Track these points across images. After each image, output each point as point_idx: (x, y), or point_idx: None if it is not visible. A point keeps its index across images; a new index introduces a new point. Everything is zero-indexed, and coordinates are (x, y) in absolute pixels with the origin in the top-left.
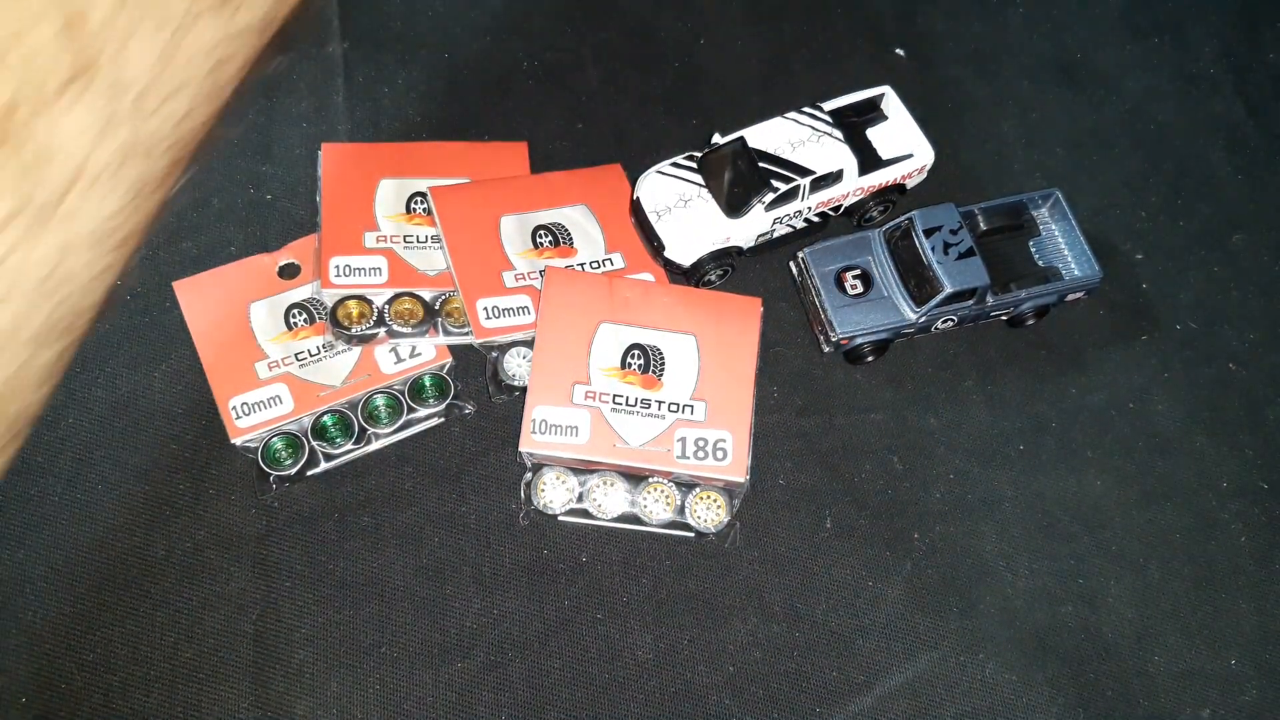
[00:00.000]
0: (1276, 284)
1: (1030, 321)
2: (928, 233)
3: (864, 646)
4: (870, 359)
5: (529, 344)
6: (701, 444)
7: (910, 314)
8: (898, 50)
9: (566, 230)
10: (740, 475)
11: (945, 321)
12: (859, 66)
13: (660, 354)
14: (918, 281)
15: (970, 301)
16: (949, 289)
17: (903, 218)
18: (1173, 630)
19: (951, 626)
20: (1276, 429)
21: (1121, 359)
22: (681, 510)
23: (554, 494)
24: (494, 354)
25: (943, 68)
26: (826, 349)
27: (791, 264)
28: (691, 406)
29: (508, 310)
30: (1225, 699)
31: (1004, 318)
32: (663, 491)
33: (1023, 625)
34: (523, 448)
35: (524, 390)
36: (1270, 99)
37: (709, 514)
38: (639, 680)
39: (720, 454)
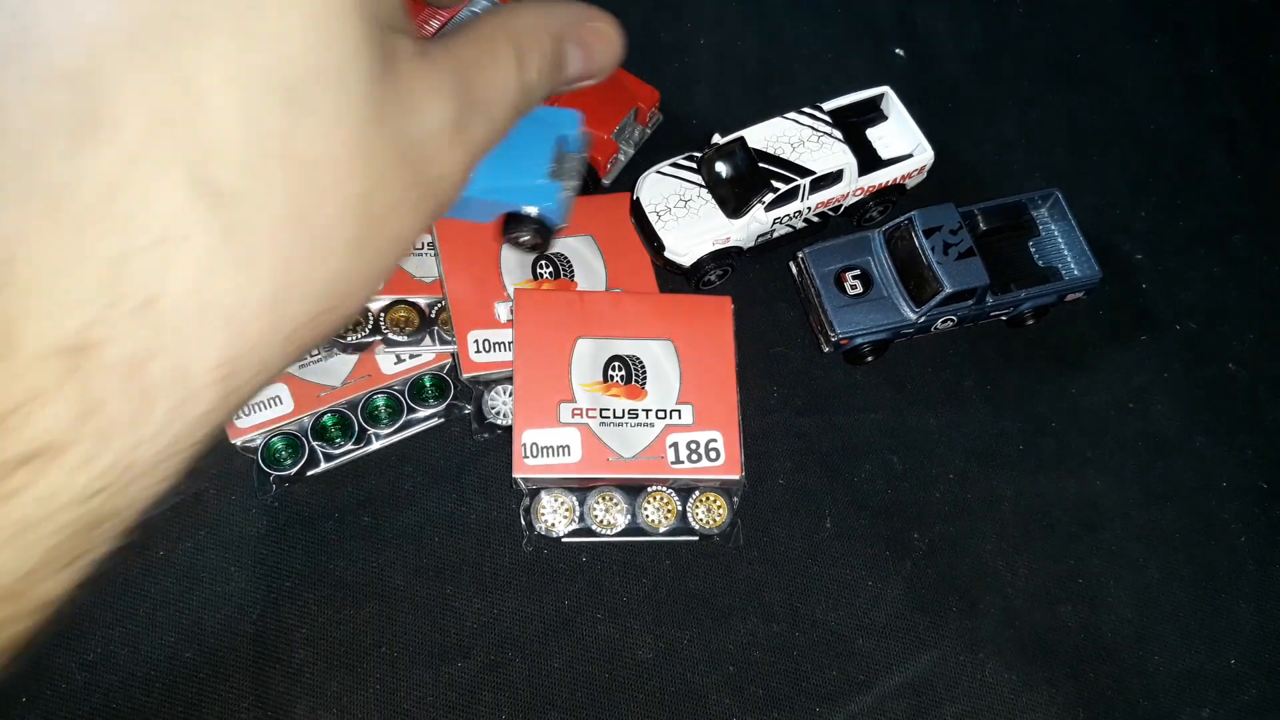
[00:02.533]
0: (1276, 284)
1: (1030, 321)
2: (927, 233)
3: (864, 646)
4: (870, 359)
5: None
6: (694, 447)
7: (910, 314)
8: (898, 50)
9: (568, 261)
10: (735, 473)
11: (945, 321)
12: (859, 66)
13: (641, 363)
14: (917, 281)
15: (970, 301)
16: (949, 289)
17: (902, 218)
18: (1172, 630)
19: (951, 626)
20: (1276, 429)
21: (1121, 359)
22: (683, 516)
23: (553, 516)
24: (479, 388)
25: (943, 68)
26: (826, 349)
27: (791, 264)
28: (679, 411)
29: (498, 345)
30: (1225, 699)
31: (1004, 318)
32: (663, 500)
33: (1023, 625)
34: (516, 473)
35: (506, 429)
36: (1270, 99)
37: (710, 516)
38: (639, 680)
39: (713, 454)
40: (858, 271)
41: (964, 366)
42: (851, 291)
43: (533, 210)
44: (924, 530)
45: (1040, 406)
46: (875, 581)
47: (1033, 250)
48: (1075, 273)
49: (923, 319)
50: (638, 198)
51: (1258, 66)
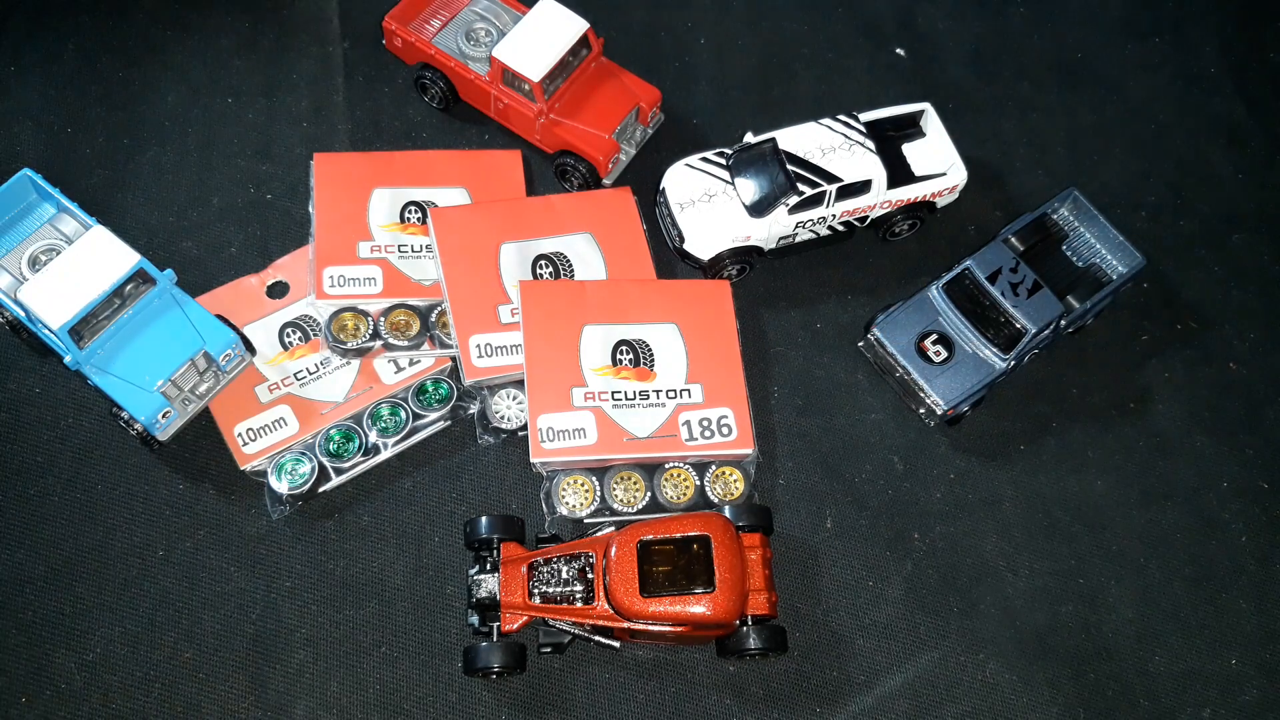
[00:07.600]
0: (1276, 284)
1: (1089, 322)
2: (991, 278)
3: (864, 646)
4: (967, 413)
5: (520, 385)
6: (706, 424)
7: (1001, 363)
8: (898, 50)
9: (568, 260)
10: (749, 447)
11: (1030, 354)
12: (859, 66)
13: (648, 346)
14: (994, 328)
15: (1049, 331)
16: (1033, 329)
17: (958, 268)
18: (1173, 630)
19: (952, 626)
20: (1276, 429)
21: (1122, 359)
22: (701, 491)
23: (574, 499)
24: (483, 393)
25: (943, 68)
26: (931, 423)
27: (861, 345)
28: (689, 390)
29: (500, 349)
30: (1225, 699)
31: (1070, 331)
32: (681, 476)
33: (1023, 625)
34: (534, 459)
35: (511, 434)
36: (1270, 99)
37: (727, 489)
38: (639, 680)
39: (725, 430)
40: (934, 336)
41: None
42: (936, 359)
43: (125, 414)
44: (924, 530)
45: (1041, 406)
46: (875, 581)
47: (1068, 253)
48: (1120, 268)
49: (1014, 364)
50: (663, 187)
51: (1258, 66)
